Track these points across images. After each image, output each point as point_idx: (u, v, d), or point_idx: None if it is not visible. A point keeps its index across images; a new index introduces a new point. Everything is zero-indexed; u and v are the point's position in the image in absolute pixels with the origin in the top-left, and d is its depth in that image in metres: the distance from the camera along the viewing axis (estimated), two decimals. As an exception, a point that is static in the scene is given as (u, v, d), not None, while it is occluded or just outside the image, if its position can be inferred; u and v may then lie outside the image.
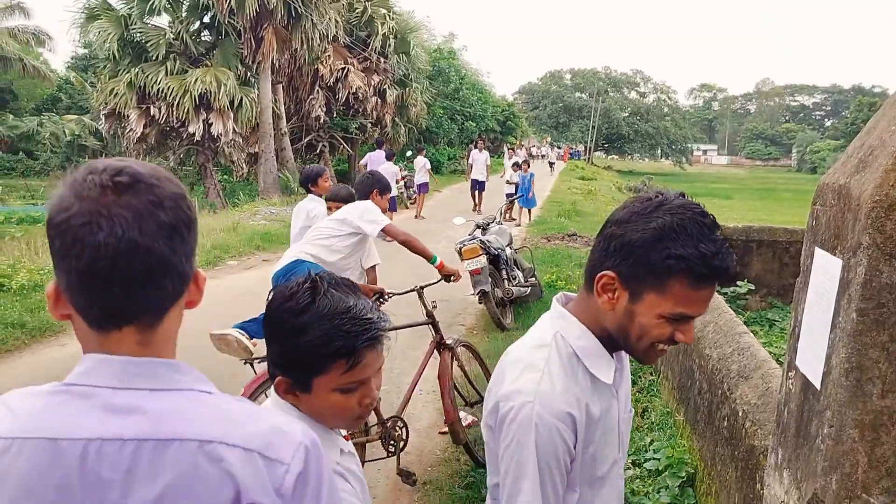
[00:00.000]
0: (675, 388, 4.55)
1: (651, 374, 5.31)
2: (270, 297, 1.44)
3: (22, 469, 0.96)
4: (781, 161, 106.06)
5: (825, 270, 1.86)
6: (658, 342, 1.41)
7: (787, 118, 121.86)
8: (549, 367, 1.44)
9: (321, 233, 4.53)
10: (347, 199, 4.87)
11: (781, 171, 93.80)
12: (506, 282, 7.62)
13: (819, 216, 1.97)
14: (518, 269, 8.04)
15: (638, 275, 1.37)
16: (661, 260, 1.34)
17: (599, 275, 1.41)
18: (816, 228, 1.98)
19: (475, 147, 19.34)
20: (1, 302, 7.23)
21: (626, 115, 73.89)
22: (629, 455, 3.90)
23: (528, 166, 17.62)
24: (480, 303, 7.21)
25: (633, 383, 5.29)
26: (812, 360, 1.90)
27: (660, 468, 3.73)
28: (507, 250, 7.83)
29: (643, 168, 66.59)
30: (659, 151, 78.02)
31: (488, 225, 8.06)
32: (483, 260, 7.00)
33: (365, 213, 4.48)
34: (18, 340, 6.34)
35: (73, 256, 0.96)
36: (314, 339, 1.35)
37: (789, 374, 2.09)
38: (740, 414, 2.93)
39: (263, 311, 1.45)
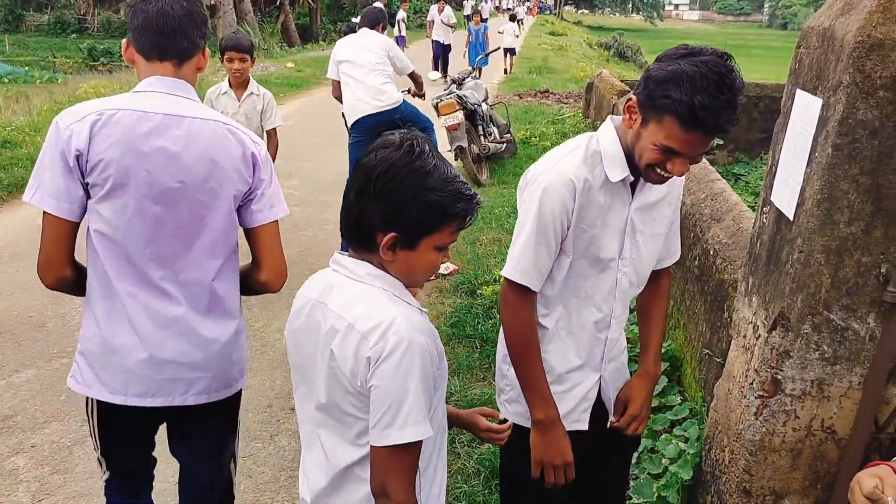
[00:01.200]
0: (647, 235, 4.78)
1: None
2: (379, 155, 1.36)
3: (125, 124, 1.75)
4: (753, 17, 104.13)
5: (805, 110, 1.99)
6: (653, 165, 1.70)
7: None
8: (572, 154, 1.80)
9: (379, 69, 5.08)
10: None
11: (752, 26, 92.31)
12: (482, 138, 7.67)
13: (802, 59, 2.08)
14: (494, 125, 8.08)
15: (647, 104, 1.65)
16: (661, 97, 1.61)
17: (627, 97, 1.62)
18: (799, 71, 2.09)
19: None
20: (-29, 160, 7.14)
21: (597, -34, 71.00)
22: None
23: (480, 18, 15.95)
24: (457, 159, 7.30)
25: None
26: (786, 194, 2.07)
27: (631, 306, 4.00)
28: (484, 106, 7.83)
29: (613, 24, 64.82)
30: (630, 6, 75.88)
31: (464, 80, 8.01)
32: (460, 115, 7.01)
33: (397, 50, 5.11)
34: (-6, 198, 6.35)
35: (140, 18, 1.80)
36: (442, 200, 1.35)
37: (763, 209, 2.27)
38: (711, 252, 3.16)
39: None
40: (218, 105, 4.53)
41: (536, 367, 1.87)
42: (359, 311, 1.34)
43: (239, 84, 4.57)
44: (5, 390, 3.45)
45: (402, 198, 1.35)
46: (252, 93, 4.60)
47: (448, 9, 17.00)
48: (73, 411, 3.35)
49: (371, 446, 1.34)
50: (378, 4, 7.40)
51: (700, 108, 1.55)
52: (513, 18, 19.71)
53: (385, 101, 5.11)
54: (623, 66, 25.74)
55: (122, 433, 1.97)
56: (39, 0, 35.41)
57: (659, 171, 1.71)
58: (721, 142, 9.00)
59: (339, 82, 5.30)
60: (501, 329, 1.95)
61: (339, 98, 5.37)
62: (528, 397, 1.89)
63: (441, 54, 16.08)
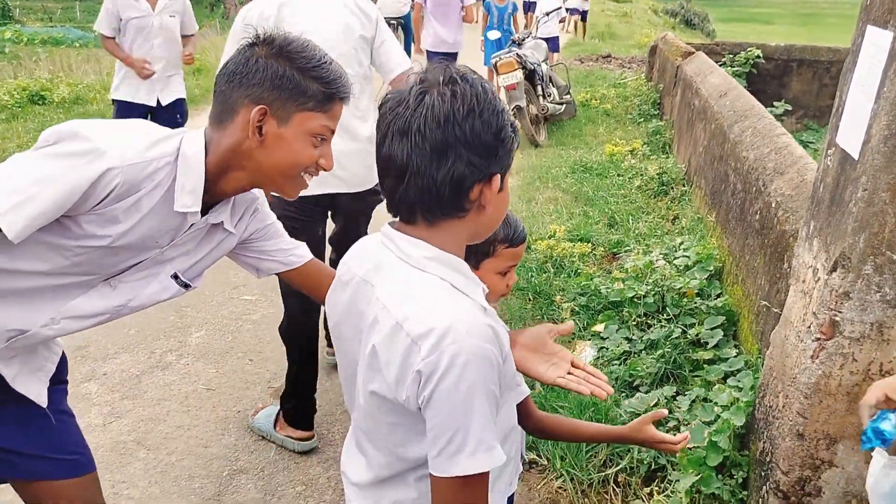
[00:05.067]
0: (707, 194, 4.70)
1: (683, 186, 5.45)
2: (442, 96, 1.10)
3: None
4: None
5: (875, 45, 1.93)
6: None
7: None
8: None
9: None
10: None
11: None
12: (541, 98, 7.61)
13: (875, -6, 2.01)
14: (553, 86, 8.00)
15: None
16: None
17: None
18: (870, 7, 2.03)
19: None
20: (45, 113, 7.42)
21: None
22: (661, 252, 4.14)
23: None
24: (515, 118, 7.23)
25: (665, 193, 5.46)
26: (853, 133, 2.02)
27: (689, 264, 3.96)
28: (543, 66, 7.75)
29: (681, -9, 63.05)
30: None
31: (524, 39, 7.93)
32: (519, 75, 6.97)
33: None
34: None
35: None
36: (509, 132, 1.17)
37: (828, 151, 2.22)
38: (773, 205, 3.10)
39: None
40: (127, 13, 4.45)
41: None
42: (409, 309, 1.10)
43: None
44: (79, 324, 3.63)
45: (496, 130, 1.13)
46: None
47: None
48: (140, 344, 3.51)
49: (433, 476, 1.12)
50: None
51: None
52: None
53: None
54: (690, 34, 25.02)
55: None
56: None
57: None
58: (790, 108, 8.72)
59: None
60: None
61: None
62: None
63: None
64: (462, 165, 1.10)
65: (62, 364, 1.71)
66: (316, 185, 2.03)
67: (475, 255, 1.37)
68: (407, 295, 1.13)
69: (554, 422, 1.72)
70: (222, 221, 1.53)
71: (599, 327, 3.56)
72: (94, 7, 31.53)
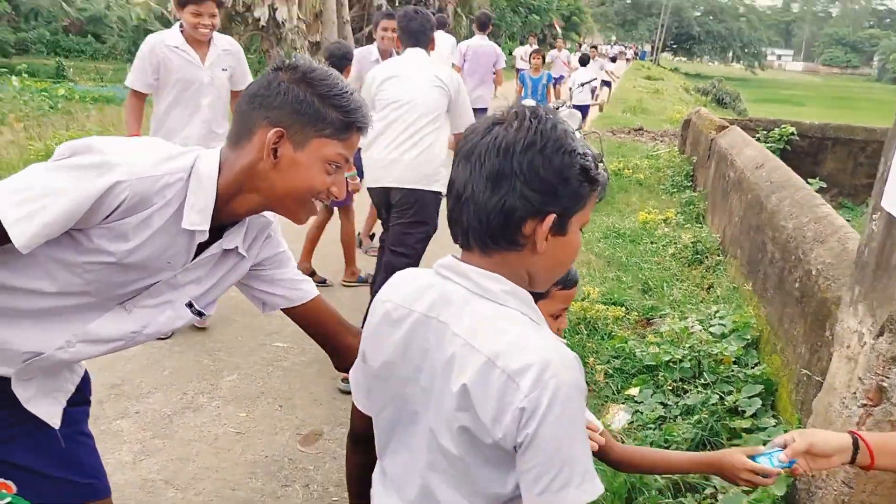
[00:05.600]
0: (743, 264, 4.68)
1: (718, 255, 5.43)
2: (508, 130, 1.12)
3: None
4: (861, 69, 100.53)
5: (924, 111, 1.96)
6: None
7: (871, 23, 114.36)
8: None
9: None
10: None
11: (860, 79, 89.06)
12: (574, 165, 7.66)
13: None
14: (587, 154, 8.07)
15: None
16: None
17: None
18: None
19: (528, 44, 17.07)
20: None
21: (698, 13, 70.44)
22: (697, 318, 4.10)
23: (542, 61, 10.36)
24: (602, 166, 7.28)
25: (700, 262, 5.44)
26: (900, 197, 2.02)
27: (725, 332, 3.92)
28: (577, 134, 7.85)
29: (712, 71, 63.79)
30: (730, 54, 74.71)
31: (558, 108, 8.07)
32: (554, 141, 7.05)
33: None
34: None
35: None
36: (588, 164, 1.15)
37: (873, 216, 2.22)
38: (814, 272, 3.07)
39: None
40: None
41: None
42: (500, 345, 1.09)
43: (203, 42, 3.88)
44: (116, 361, 3.66)
45: (558, 168, 1.11)
46: (224, 49, 3.98)
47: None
48: (174, 385, 3.53)
49: None
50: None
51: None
52: (612, 59, 19.16)
53: None
54: (721, 112, 25.28)
55: None
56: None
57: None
58: (824, 185, 8.71)
59: None
60: None
61: None
62: None
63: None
64: (514, 197, 1.10)
65: (85, 383, 1.70)
66: None
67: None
68: (494, 330, 1.11)
69: (640, 453, 1.76)
70: (236, 246, 1.52)
71: (634, 391, 3.51)
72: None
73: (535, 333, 1.12)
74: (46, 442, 1.58)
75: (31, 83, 14.92)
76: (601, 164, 1.19)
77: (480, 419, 1.09)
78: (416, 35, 3.82)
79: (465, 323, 1.13)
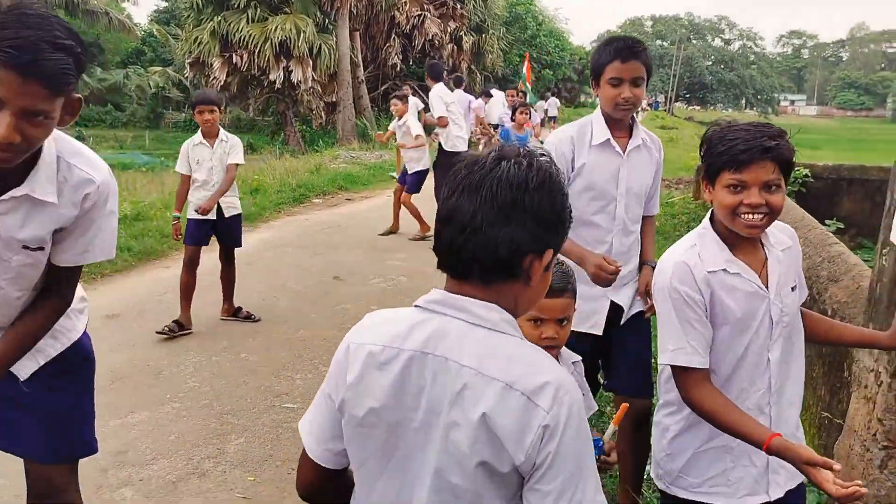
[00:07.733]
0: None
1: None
2: (519, 167, 1.16)
3: None
4: (875, 111, 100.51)
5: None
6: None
7: (882, 66, 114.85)
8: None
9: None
10: None
11: (875, 121, 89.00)
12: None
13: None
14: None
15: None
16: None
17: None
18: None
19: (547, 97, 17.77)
20: (109, 230, 7.74)
21: (710, 63, 71.25)
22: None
23: (528, 116, 9.49)
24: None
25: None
26: (907, 230, 1.96)
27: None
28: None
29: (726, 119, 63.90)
30: (743, 102, 75.24)
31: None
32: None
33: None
34: (127, 262, 6.84)
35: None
36: (568, 215, 1.22)
37: (882, 252, 2.15)
38: (829, 312, 2.98)
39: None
40: (194, 154, 5.20)
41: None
42: (514, 369, 1.13)
43: (211, 134, 5.19)
44: (120, 429, 3.62)
45: (559, 207, 1.19)
46: (222, 140, 5.24)
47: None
48: (180, 450, 3.46)
49: None
50: None
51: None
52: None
53: None
54: (735, 158, 25.25)
55: None
56: (177, 100, 38.89)
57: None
58: (842, 226, 8.59)
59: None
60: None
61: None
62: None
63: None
64: (523, 232, 1.15)
65: (86, 365, 2.07)
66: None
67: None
68: (503, 357, 1.14)
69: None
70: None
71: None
72: (162, 136, 33.68)
73: (541, 355, 1.18)
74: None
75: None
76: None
77: (503, 445, 1.11)
78: None
79: (470, 354, 1.15)
